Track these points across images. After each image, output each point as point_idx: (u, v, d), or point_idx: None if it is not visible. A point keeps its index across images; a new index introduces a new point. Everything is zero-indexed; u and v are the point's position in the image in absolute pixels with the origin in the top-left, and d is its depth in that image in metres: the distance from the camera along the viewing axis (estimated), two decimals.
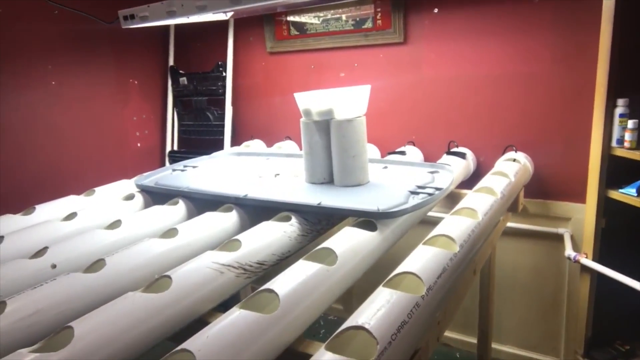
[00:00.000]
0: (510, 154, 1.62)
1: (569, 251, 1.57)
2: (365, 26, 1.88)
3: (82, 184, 1.55)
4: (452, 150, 1.72)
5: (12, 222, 1.13)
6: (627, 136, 1.33)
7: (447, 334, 1.97)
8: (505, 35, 1.62)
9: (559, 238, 1.65)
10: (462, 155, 1.63)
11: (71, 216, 1.11)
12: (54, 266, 0.88)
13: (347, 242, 0.92)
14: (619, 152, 1.37)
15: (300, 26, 2.03)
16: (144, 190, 1.34)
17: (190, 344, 0.59)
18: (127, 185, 1.41)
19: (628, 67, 1.36)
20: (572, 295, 1.68)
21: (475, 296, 1.55)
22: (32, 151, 1.83)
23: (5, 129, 1.74)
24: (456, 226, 0.99)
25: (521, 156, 1.59)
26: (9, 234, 0.99)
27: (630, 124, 1.32)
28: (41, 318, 0.69)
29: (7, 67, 1.73)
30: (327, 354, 0.58)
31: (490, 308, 1.53)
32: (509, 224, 1.68)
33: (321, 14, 1.96)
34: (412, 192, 1.15)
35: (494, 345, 1.79)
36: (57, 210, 1.19)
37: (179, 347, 0.59)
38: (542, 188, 1.67)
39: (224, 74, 2.20)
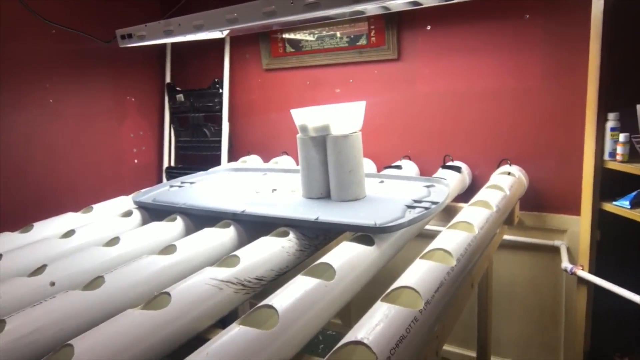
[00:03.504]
0: (505, 168, 1.64)
1: (565, 263, 1.58)
2: (359, 43, 1.91)
3: (80, 201, 1.55)
4: (448, 164, 1.74)
5: (10, 240, 1.13)
6: (619, 149, 1.35)
7: (447, 348, 1.96)
8: (497, 51, 1.65)
9: (555, 250, 1.66)
10: (457, 169, 1.65)
11: (69, 233, 1.11)
12: (52, 284, 0.88)
13: (345, 256, 0.92)
14: (612, 165, 1.39)
15: (295, 43, 2.06)
16: (142, 206, 1.34)
17: None
18: (125, 202, 1.41)
19: (618, 81, 1.39)
20: (570, 308, 1.68)
21: (474, 310, 1.55)
22: (30, 168, 1.84)
23: (3, 147, 1.75)
24: (453, 240, 1.00)
25: (515, 169, 1.60)
26: (7, 252, 0.99)
27: (622, 137, 1.34)
28: (40, 336, 0.69)
29: (5, 85, 1.75)
30: None
31: (488, 321, 1.53)
32: (506, 237, 1.69)
33: (316, 32, 1.99)
34: (409, 207, 1.16)
35: (494, 359, 1.79)
36: (55, 228, 1.19)
37: None
38: (537, 201, 1.68)
39: (220, 90, 2.22)
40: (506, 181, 1.45)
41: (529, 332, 1.79)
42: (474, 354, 1.60)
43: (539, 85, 1.60)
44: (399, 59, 1.84)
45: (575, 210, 1.58)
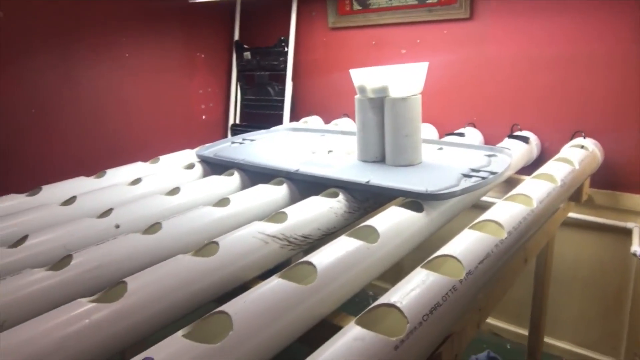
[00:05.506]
0: (578, 140, 1.52)
1: (635, 247, 1.47)
2: (429, 1, 1.81)
3: (150, 152, 1.65)
4: (515, 133, 1.64)
5: (86, 184, 1.23)
6: None
7: (499, 323, 1.92)
8: (580, 10, 1.50)
9: (627, 232, 1.54)
10: (525, 140, 1.56)
11: (136, 181, 1.19)
12: (117, 226, 0.96)
13: (391, 221, 0.92)
14: None
15: (363, 1, 2.00)
16: (204, 160, 1.40)
17: (228, 306, 0.63)
18: (189, 155, 1.48)
19: None
20: (637, 294, 1.57)
21: (530, 287, 1.50)
22: (107, 118, 1.97)
23: (83, 98, 1.88)
24: (506, 212, 0.96)
25: (590, 143, 1.48)
26: (81, 195, 1.09)
27: None
28: (101, 272, 0.76)
29: (86, 40, 1.86)
30: (355, 327, 0.59)
31: (544, 300, 1.47)
32: (571, 215, 1.60)
33: None
34: (465, 175, 1.12)
35: (549, 340, 1.73)
36: (125, 175, 1.28)
37: (217, 309, 0.63)
38: (611, 178, 1.56)
39: (285, 49, 2.23)
40: (577, 154, 1.36)
41: (589, 315, 1.71)
42: (527, 332, 1.56)
43: (626, 49, 1.44)
44: (471, 19, 1.73)
45: None
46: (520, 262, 1.04)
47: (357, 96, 1.27)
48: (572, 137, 1.57)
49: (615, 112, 1.50)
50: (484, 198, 1.33)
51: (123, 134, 2.03)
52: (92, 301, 0.64)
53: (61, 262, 0.76)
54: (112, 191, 1.14)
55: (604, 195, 1.58)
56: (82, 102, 1.88)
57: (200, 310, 0.75)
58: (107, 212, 0.98)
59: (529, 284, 1.48)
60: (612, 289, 1.64)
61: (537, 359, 1.50)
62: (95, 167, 1.50)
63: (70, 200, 1.06)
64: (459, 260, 0.76)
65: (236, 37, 2.40)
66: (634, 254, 1.45)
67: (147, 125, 2.11)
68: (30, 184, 1.21)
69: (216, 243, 0.82)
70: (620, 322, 1.64)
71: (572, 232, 1.66)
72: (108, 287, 0.69)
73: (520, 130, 1.68)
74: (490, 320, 1.91)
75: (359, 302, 0.76)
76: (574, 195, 1.34)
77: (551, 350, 1.77)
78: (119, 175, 1.30)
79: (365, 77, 1.24)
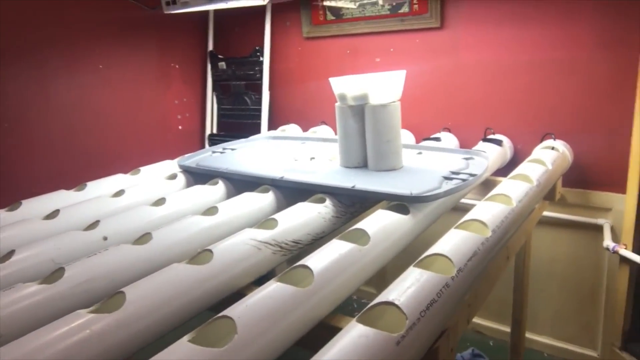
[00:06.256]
0: (549, 142, 1.59)
1: (607, 242, 1.54)
2: (401, 10, 1.87)
3: (128, 164, 1.63)
4: (489, 137, 1.70)
5: (66, 196, 1.21)
6: None
7: (481, 322, 1.97)
8: (546, 19, 1.58)
9: (598, 229, 1.62)
10: (498, 142, 1.62)
11: (119, 193, 1.18)
12: (105, 238, 0.95)
13: (380, 224, 0.94)
14: None
15: (336, 11, 2.04)
16: (186, 170, 1.40)
17: (230, 311, 0.64)
18: (170, 166, 1.47)
19: None
20: (611, 287, 1.65)
21: (510, 285, 1.55)
22: (81, 131, 1.94)
23: (57, 109, 1.85)
24: (489, 211, 0.99)
25: (560, 144, 1.56)
26: (63, 208, 1.07)
27: None
28: (95, 284, 0.76)
29: (59, 51, 1.83)
30: (357, 325, 0.61)
31: (524, 297, 1.52)
32: (546, 213, 1.66)
33: None
34: (446, 178, 1.16)
35: (529, 335, 1.78)
36: (107, 187, 1.26)
37: (220, 314, 0.63)
38: (581, 177, 1.63)
39: (261, 58, 2.24)
40: (549, 156, 1.42)
41: (567, 310, 1.77)
42: (508, 329, 1.60)
43: (588, 56, 1.53)
44: (442, 28, 1.80)
45: (621, 187, 1.53)
46: (503, 259, 1.08)
47: (337, 104, 1.29)
48: (543, 139, 1.64)
49: (583, 114, 1.58)
50: (462, 200, 1.38)
51: (99, 146, 2.00)
52: (92, 312, 0.64)
53: (53, 275, 0.75)
54: (95, 203, 1.12)
55: (575, 193, 1.65)
56: (56, 114, 1.85)
57: (196, 318, 0.75)
58: (93, 225, 0.97)
59: (509, 282, 1.54)
60: (587, 283, 1.71)
61: (519, 355, 1.54)
62: (72, 180, 1.48)
63: (54, 214, 1.04)
64: (449, 259, 0.79)
65: (210, 47, 2.40)
66: (607, 248, 1.52)
67: (123, 136, 2.08)
68: (5, 199, 1.19)
69: (210, 251, 0.82)
70: (596, 314, 1.71)
71: (547, 231, 1.72)
72: (106, 298, 0.68)
73: (494, 133, 1.74)
74: (473, 319, 1.96)
75: (344, 307, 0.78)
76: (548, 194, 1.40)
77: (532, 346, 1.83)
78: (100, 188, 1.28)
79: (345, 85, 1.27)
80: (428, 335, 0.67)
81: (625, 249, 1.49)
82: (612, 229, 1.58)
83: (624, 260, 1.51)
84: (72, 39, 1.87)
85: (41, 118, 1.82)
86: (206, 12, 2.39)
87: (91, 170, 1.85)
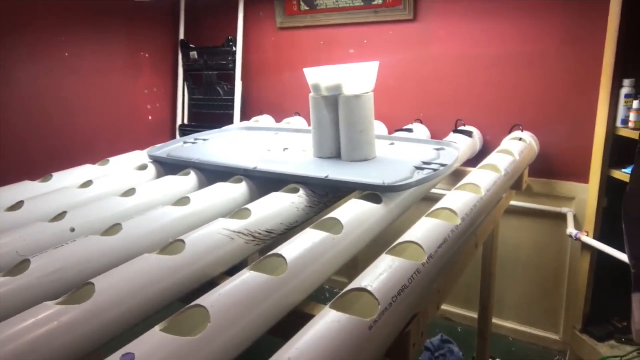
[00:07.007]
0: (516, 133, 1.63)
1: (570, 229, 1.60)
2: (375, 2, 1.88)
3: (96, 154, 1.59)
4: (459, 128, 1.74)
5: (31, 188, 1.17)
6: (632, 116, 1.34)
7: (450, 308, 2.02)
8: (514, 14, 1.62)
9: (562, 217, 1.68)
10: (468, 134, 1.65)
11: (87, 183, 1.15)
12: (72, 229, 0.92)
13: (353, 212, 0.95)
14: (623, 132, 1.38)
15: (310, 1, 2.03)
16: (157, 160, 1.37)
17: (203, 300, 0.63)
18: (140, 156, 1.45)
19: (635, 47, 1.36)
20: (573, 273, 1.71)
21: (478, 272, 1.59)
22: (47, 120, 1.88)
23: (22, 99, 1.78)
24: (459, 200, 1.02)
25: (527, 135, 1.60)
26: (28, 199, 1.03)
27: (635, 104, 1.32)
28: (63, 275, 0.74)
29: (23, 38, 1.76)
30: (331, 311, 0.62)
31: (491, 283, 1.57)
32: (513, 202, 1.71)
33: None
34: (417, 168, 1.18)
35: (495, 321, 1.84)
36: (74, 178, 1.23)
37: (193, 303, 0.63)
38: (547, 167, 1.69)
39: (234, 48, 2.22)
40: (516, 146, 1.46)
41: (532, 295, 1.84)
42: (476, 315, 1.65)
43: (555, 50, 1.57)
44: (415, 20, 1.81)
45: (584, 177, 1.58)
46: (472, 247, 1.10)
47: (311, 94, 1.30)
48: (511, 130, 1.69)
49: (549, 106, 1.63)
50: (433, 190, 1.40)
51: (66, 136, 1.94)
52: (60, 303, 0.62)
53: (18, 267, 0.73)
54: (62, 194, 1.09)
55: (541, 183, 1.71)
56: (20, 103, 1.78)
57: (167, 309, 0.74)
58: (60, 216, 0.95)
59: (477, 269, 1.58)
60: (550, 269, 1.77)
61: (486, 340, 1.59)
62: (38, 171, 1.43)
63: (18, 205, 1.01)
64: (420, 246, 0.81)
65: (181, 36, 2.36)
66: (570, 236, 1.58)
67: (91, 126, 2.03)
68: None
69: (182, 241, 0.82)
70: (558, 299, 1.78)
71: (514, 219, 1.78)
72: (74, 289, 0.67)
73: (464, 125, 1.78)
74: (442, 306, 2.00)
75: (316, 296, 0.79)
76: (515, 184, 1.44)
77: (499, 331, 1.89)
78: (66, 179, 1.24)
79: (319, 76, 1.27)
80: (399, 319, 0.69)
81: (587, 236, 1.55)
82: (575, 217, 1.65)
83: (586, 246, 1.57)
84: (36, 25, 1.80)
85: (4, 107, 1.75)
86: (177, 0, 2.34)
87: (57, 161, 1.80)
